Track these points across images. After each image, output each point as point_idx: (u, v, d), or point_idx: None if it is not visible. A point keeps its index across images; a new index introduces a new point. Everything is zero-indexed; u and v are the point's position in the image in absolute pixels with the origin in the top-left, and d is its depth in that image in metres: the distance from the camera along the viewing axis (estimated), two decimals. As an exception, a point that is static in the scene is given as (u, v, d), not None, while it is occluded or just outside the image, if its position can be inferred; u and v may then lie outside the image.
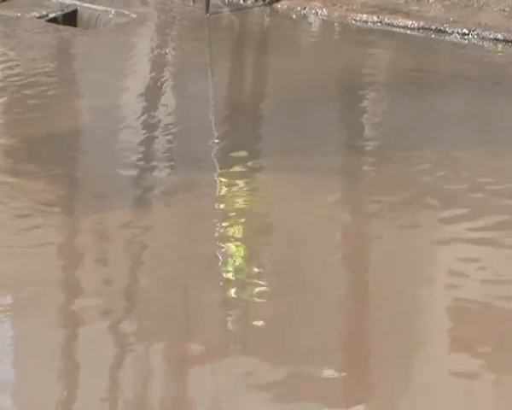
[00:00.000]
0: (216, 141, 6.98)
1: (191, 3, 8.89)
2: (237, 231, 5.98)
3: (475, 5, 8.65)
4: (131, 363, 4.84)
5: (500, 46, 8.23)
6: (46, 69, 8.04)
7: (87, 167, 6.55)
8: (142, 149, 6.82)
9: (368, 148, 7.00)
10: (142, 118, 7.25)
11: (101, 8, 8.80)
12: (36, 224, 5.76)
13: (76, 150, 6.83)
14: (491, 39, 8.17)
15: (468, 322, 5.04)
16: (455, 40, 8.25)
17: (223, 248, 5.72)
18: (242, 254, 5.81)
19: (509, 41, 8.12)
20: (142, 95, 7.76)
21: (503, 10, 8.49)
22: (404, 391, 4.62)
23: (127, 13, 8.76)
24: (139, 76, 8.13)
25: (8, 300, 5.32)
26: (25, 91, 7.52)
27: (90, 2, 8.90)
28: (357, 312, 5.13)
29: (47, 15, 8.51)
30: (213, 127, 7.13)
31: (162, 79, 8.18)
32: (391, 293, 5.06)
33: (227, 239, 5.82)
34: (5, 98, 7.53)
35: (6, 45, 8.45)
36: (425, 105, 7.42)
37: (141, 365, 4.83)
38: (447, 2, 8.77)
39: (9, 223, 5.85)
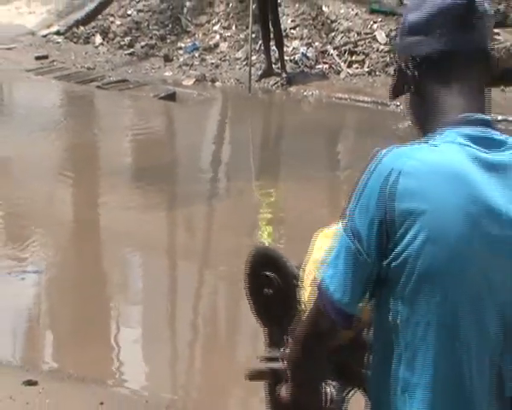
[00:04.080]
0: (253, 165, 7.61)
1: (242, 87, 9.32)
2: (266, 218, 6.31)
3: None
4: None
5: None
6: (158, 126, 8.80)
7: (177, 183, 7.12)
8: (210, 172, 7.43)
9: (339, 166, 7.59)
10: (210, 154, 7.92)
11: (194, 91, 9.19)
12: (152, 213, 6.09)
13: (170, 174, 7.17)
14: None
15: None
16: (393, 110, 8.47)
17: (260, 224, 6.13)
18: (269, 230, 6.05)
19: None
20: (211, 142, 8.31)
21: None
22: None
23: (204, 93, 9.21)
24: (210, 129, 8.80)
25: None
26: (145, 139, 8.13)
27: (185, 88, 9.29)
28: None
29: (159, 95, 8.94)
30: (251, 159, 7.80)
31: (224, 132, 8.94)
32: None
33: (262, 220, 6.23)
34: (133, 144, 8.12)
35: (136, 112, 9.03)
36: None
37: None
38: (387, 86, 9.68)
39: (138, 216, 6.04)
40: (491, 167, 1.47)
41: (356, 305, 1.54)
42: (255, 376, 1.88)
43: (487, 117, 1.53)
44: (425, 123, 1.56)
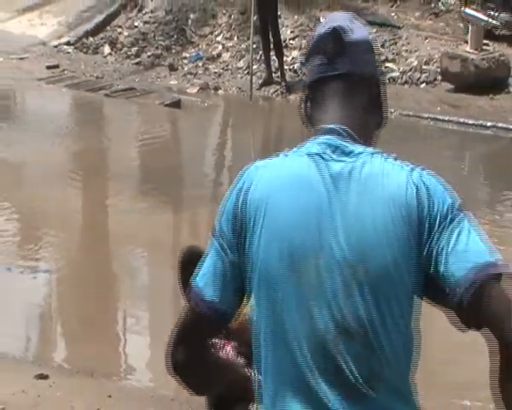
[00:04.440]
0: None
1: (244, 95, 9.28)
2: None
3: (398, 95, 8.82)
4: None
5: (411, 119, 8.48)
6: (164, 132, 8.84)
7: (182, 186, 7.10)
8: (213, 176, 7.49)
9: None
10: (213, 159, 7.98)
11: (198, 99, 9.14)
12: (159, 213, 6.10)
13: (175, 178, 7.13)
14: (408, 115, 8.60)
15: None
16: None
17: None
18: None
19: (417, 116, 8.55)
20: (214, 147, 8.33)
21: (415, 101, 8.85)
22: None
23: (207, 101, 9.18)
24: (214, 135, 8.80)
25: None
26: (151, 145, 8.11)
27: (189, 96, 9.20)
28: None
29: (164, 102, 8.90)
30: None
31: (227, 138, 8.99)
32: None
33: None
34: (140, 149, 8.02)
35: (142, 118, 9.01)
36: None
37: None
38: None
39: (143, 218, 6.01)
40: (333, 175, 1.54)
41: (226, 301, 1.59)
42: None
43: (343, 127, 1.58)
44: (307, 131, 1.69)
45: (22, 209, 6.21)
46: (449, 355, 4.19)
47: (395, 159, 1.56)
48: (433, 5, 10.87)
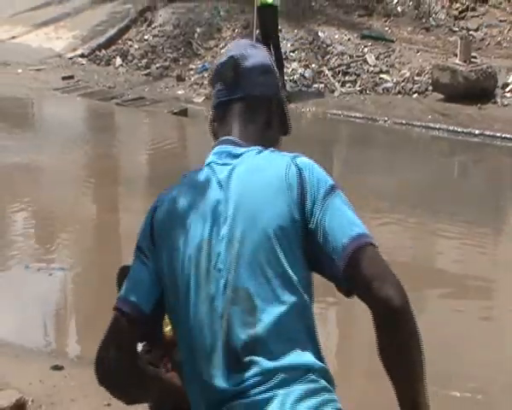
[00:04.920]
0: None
1: None
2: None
3: (391, 105, 9.10)
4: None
5: (403, 127, 8.59)
6: (172, 139, 8.76)
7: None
8: None
9: (332, 172, 8.30)
10: None
11: (204, 108, 8.78)
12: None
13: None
14: (401, 124, 8.62)
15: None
16: (381, 124, 8.67)
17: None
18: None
19: (410, 124, 8.60)
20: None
21: (408, 109, 8.91)
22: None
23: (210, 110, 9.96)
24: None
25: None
26: (160, 150, 8.06)
27: (196, 105, 9.24)
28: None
29: (172, 111, 8.95)
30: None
31: None
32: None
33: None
34: (149, 154, 7.99)
35: (151, 126, 8.99)
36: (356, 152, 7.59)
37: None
38: (376, 103, 9.13)
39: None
40: (221, 179, 1.60)
41: (150, 305, 1.61)
42: None
43: (235, 138, 1.66)
44: None
45: (39, 211, 6.21)
46: (438, 348, 4.15)
47: (279, 152, 1.65)
48: (424, 20, 10.95)
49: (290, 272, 1.53)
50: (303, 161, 1.62)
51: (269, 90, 1.72)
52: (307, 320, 1.54)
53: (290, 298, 1.51)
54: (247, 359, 1.49)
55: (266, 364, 1.48)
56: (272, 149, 1.65)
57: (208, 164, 1.65)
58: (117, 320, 1.62)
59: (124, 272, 1.93)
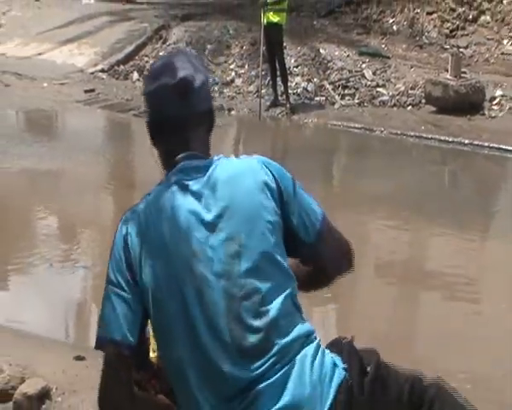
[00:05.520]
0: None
1: (253, 115, 9.19)
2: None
3: (387, 116, 9.01)
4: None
5: (399, 137, 8.47)
6: None
7: None
8: None
9: (333, 179, 7.58)
10: None
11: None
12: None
13: None
14: (396, 134, 8.53)
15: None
16: (378, 134, 8.59)
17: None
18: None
19: (404, 134, 8.46)
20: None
21: (403, 121, 8.81)
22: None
23: (222, 120, 8.56)
24: (227, 150, 8.14)
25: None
26: None
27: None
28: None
29: None
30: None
31: (238, 152, 8.31)
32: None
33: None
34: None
35: None
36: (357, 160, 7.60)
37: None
38: (373, 115, 9.07)
39: None
40: (195, 191, 1.60)
41: (134, 335, 1.56)
42: None
43: (194, 152, 1.64)
44: (163, 168, 1.72)
45: (62, 214, 6.18)
46: (432, 341, 4.15)
47: (236, 156, 1.69)
48: (417, 38, 10.94)
49: (282, 260, 1.60)
50: (267, 161, 1.68)
51: (211, 102, 1.73)
52: (295, 297, 1.64)
53: (285, 283, 1.59)
54: (265, 344, 1.53)
55: (282, 342, 1.54)
56: (227, 156, 1.69)
57: (176, 182, 1.61)
58: (109, 360, 1.56)
59: None
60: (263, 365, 1.51)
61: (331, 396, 1.52)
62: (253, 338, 1.52)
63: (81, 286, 5.00)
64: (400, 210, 6.12)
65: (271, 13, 8.84)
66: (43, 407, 3.30)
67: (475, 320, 4.42)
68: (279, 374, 1.51)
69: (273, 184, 1.63)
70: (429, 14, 10.79)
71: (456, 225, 5.91)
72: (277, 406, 1.48)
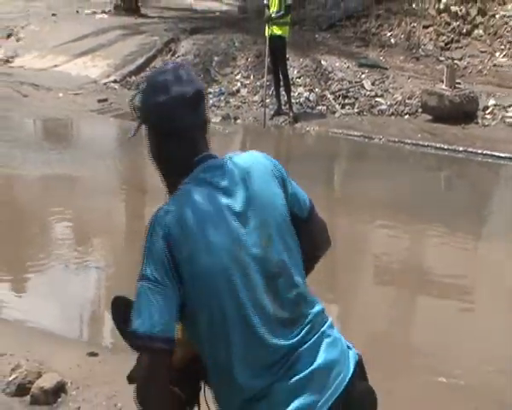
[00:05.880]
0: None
1: (258, 124, 9.17)
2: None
3: (385, 124, 9.04)
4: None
5: (396, 145, 8.48)
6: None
7: None
8: None
9: (333, 183, 7.54)
10: None
11: (221, 127, 8.93)
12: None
13: None
14: (394, 141, 8.53)
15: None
16: (376, 142, 8.59)
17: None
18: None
19: (402, 142, 8.46)
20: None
21: (400, 129, 8.86)
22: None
23: (228, 128, 9.04)
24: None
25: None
26: None
27: (214, 124, 8.75)
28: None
29: None
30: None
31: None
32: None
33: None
34: None
35: None
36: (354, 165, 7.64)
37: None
38: (372, 123, 9.07)
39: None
40: (220, 188, 1.68)
41: (174, 329, 1.58)
42: (132, 381, 1.82)
43: (209, 153, 1.74)
44: (171, 173, 1.76)
45: (77, 217, 6.16)
46: (428, 339, 4.12)
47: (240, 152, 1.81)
48: (414, 51, 10.93)
49: (296, 240, 1.75)
50: (267, 155, 1.82)
51: (206, 110, 1.80)
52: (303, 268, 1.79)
53: (301, 261, 1.75)
54: (300, 315, 1.69)
55: (311, 312, 1.72)
56: (233, 154, 1.79)
57: (204, 180, 1.68)
58: (153, 359, 1.55)
59: (117, 303, 1.87)
60: (299, 333, 1.66)
61: (352, 367, 1.69)
62: (290, 310, 1.66)
63: (94, 286, 4.99)
64: (398, 213, 6.14)
65: (275, 26, 8.83)
66: (59, 400, 3.31)
67: (473, 320, 4.42)
68: (312, 340, 1.66)
69: (277, 173, 1.77)
70: (425, 27, 10.84)
71: (451, 227, 5.93)
72: (312, 367, 1.63)
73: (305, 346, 1.65)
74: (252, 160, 1.76)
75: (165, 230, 1.61)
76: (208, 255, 1.59)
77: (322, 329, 1.71)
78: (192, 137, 1.72)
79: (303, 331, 1.67)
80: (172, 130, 1.70)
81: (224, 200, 1.66)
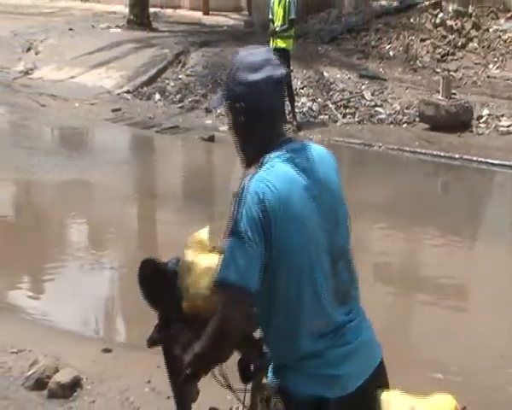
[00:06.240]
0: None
1: None
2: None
3: (384, 133, 8.95)
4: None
5: (395, 152, 8.37)
6: (201, 160, 8.56)
7: (214, 203, 6.64)
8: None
9: (344, 186, 8.20)
10: (238, 180, 8.39)
11: (228, 135, 7.77)
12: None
13: (209, 196, 6.94)
14: (392, 149, 8.46)
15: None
16: (375, 149, 8.48)
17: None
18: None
19: (400, 149, 8.34)
20: (240, 172, 8.65)
21: (398, 137, 8.74)
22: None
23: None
24: (240, 163, 9.51)
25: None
26: (191, 170, 7.97)
27: (221, 132, 8.73)
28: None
29: (202, 137, 8.66)
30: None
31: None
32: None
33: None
34: (182, 173, 7.87)
35: (184, 150, 8.81)
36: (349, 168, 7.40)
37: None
38: (372, 132, 9.00)
39: (182, 229, 5.65)
40: (302, 169, 1.75)
41: (257, 282, 1.66)
42: (152, 343, 1.89)
43: (289, 136, 1.80)
44: (252, 148, 1.79)
45: (92, 220, 6.19)
46: (426, 338, 4.13)
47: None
48: (412, 63, 10.91)
49: (349, 231, 1.86)
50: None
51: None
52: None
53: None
54: (352, 294, 1.82)
55: (356, 296, 1.85)
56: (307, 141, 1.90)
57: (291, 160, 1.73)
58: (240, 295, 1.63)
59: (149, 270, 1.91)
60: (350, 310, 1.80)
61: (378, 352, 1.87)
62: (344, 290, 1.78)
63: (108, 286, 4.98)
64: (396, 218, 6.13)
65: (279, 40, 8.79)
66: (75, 394, 3.33)
67: (469, 319, 4.42)
68: (357, 320, 1.81)
69: (338, 171, 1.87)
70: (422, 40, 10.80)
71: (447, 231, 5.91)
72: (358, 340, 1.78)
73: (352, 323, 1.78)
74: (325, 152, 1.84)
75: (261, 195, 1.66)
76: (296, 229, 1.68)
77: (362, 313, 1.86)
78: (276, 119, 1.78)
79: (353, 310, 1.80)
80: (262, 108, 1.73)
81: (305, 181, 1.73)
